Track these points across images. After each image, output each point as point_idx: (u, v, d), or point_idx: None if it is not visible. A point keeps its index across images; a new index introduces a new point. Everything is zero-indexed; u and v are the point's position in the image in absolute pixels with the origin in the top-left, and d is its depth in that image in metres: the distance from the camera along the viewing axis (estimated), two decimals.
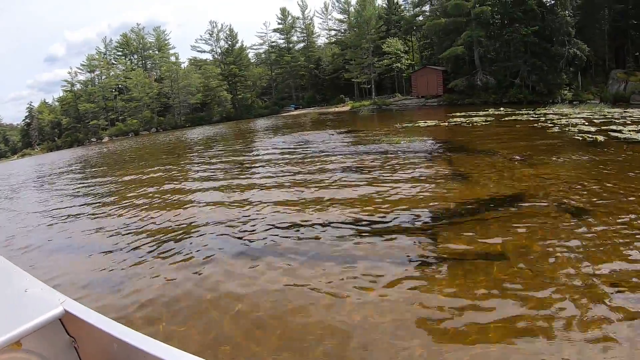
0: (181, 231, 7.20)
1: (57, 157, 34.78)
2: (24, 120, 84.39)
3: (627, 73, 36.86)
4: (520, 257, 4.76)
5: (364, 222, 6.45)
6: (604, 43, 39.55)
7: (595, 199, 6.57)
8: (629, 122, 17.18)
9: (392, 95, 54.65)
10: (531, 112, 24.87)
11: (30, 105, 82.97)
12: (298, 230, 6.43)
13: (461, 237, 5.46)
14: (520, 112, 25.11)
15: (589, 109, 24.61)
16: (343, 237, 5.91)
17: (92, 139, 65.42)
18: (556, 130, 15.39)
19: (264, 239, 6.24)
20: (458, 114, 25.74)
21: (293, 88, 73.02)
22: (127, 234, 7.44)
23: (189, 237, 6.80)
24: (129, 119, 68.06)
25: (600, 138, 12.42)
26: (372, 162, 11.21)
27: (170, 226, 7.58)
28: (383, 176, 9.45)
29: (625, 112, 22.71)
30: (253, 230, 6.67)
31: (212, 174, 12.85)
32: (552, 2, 40.72)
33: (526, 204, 6.51)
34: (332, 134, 19.64)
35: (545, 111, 24.81)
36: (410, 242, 5.48)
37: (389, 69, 56.12)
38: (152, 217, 8.36)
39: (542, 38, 38.23)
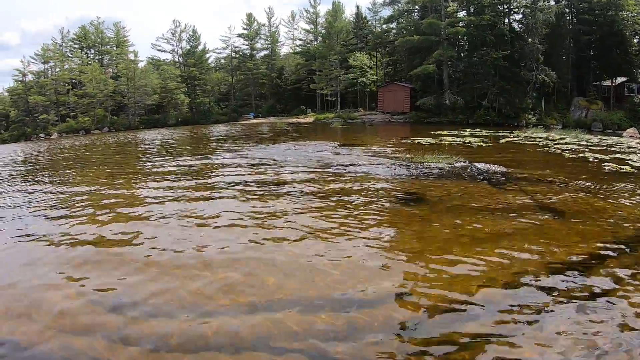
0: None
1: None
2: None
3: (588, 101, 38.29)
4: None
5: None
6: (567, 71, 40.98)
7: None
8: (623, 150, 17.28)
9: (356, 110, 54.25)
10: (509, 133, 24.98)
11: None
12: None
13: None
14: (501, 133, 25.15)
15: (566, 134, 24.85)
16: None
17: (40, 134, 60.73)
18: (571, 156, 14.98)
19: None
20: (444, 132, 25.17)
21: (253, 96, 71.24)
22: None
23: None
24: (80, 115, 63.73)
25: (629, 169, 12.04)
26: (434, 192, 8.75)
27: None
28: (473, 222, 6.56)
29: (600, 139, 23.13)
30: None
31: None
32: (522, 28, 41.94)
33: None
34: (335, 147, 17.31)
35: (526, 134, 24.81)
36: None
37: (353, 83, 55.83)
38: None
39: (511, 62, 39.03)
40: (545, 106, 39.86)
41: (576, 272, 4.66)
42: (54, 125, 63.05)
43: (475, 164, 11.41)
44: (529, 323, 3.72)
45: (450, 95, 41.44)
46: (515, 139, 21.61)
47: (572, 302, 4.05)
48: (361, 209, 7.36)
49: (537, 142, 19.66)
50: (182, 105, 69.97)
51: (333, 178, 10.36)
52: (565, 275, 4.60)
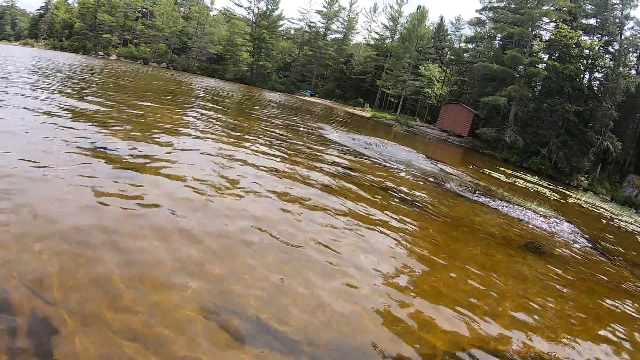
0: None
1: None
2: (37, 10, 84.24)
3: None
4: None
5: None
6: (630, 145, 41.02)
7: None
8: None
9: (413, 118, 54.81)
10: (566, 191, 25.75)
11: None
12: None
13: None
14: (560, 189, 25.84)
15: (621, 210, 25.29)
16: None
17: (99, 52, 62.82)
18: None
19: None
20: (508, 170, 25.92)
21: (314, 74, 71.99)
22: None
23: None
24: (143, 45, 65.62)
25: None
26: (548, 246, 8.84)
27: None
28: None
29: None
30: None
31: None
32: (600, 89, 41.92)
33: None
34: (425, 159, 17.21)
35: (585, 199, 25.33)
36: None
37: (418, 91, 56.23)
38: None
39: (580, 120, 39.26)
40: (600, 173, 40.08)
41: None
42: (115, 47, 65.14)
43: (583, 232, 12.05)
44: None
45: (512, 133, 41.72)
46: (577, 200, 22.25)
47: None
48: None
49: (600, 212, 20.31)
50: (243, 63, 71.17)
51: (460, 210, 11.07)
52: None
